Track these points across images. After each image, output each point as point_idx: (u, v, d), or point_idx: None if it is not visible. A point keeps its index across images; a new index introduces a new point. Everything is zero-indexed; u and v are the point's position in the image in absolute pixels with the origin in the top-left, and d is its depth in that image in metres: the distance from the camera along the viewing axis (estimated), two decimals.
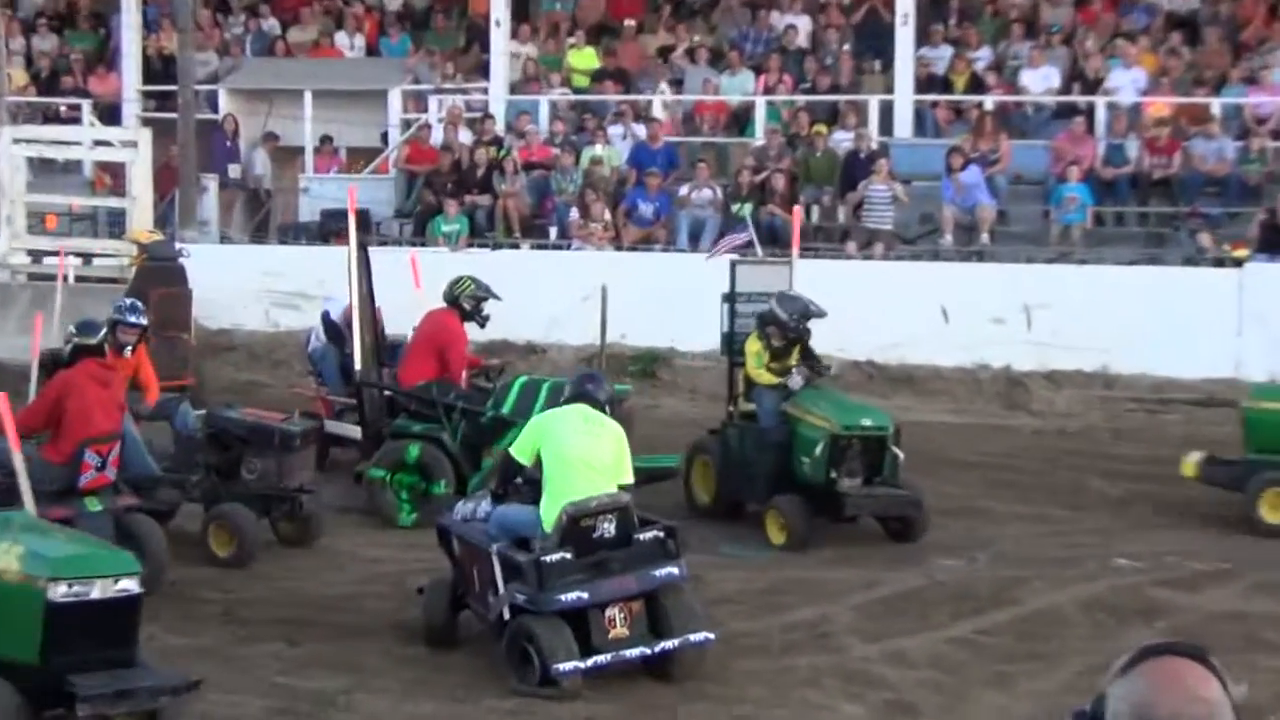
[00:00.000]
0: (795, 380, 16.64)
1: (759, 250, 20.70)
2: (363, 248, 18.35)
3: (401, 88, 30.01)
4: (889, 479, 16.29)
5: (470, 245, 26.03)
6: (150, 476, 15.77)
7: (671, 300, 24.15)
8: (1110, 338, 23.06)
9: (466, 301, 18.11)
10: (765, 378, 16.80)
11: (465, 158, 27.51)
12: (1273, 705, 11.98)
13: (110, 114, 31.16)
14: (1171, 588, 14.72)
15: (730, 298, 17.72)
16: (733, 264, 18.25)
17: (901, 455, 16.35)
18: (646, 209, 26.40)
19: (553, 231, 26.74)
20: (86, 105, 31.01)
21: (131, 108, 31.12)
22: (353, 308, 17.82)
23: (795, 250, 19.17)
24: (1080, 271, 24.16)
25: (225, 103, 30.45)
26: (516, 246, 26.41)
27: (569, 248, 26.21)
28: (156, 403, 16.63)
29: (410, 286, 19.81)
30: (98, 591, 10.41)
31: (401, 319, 18.88)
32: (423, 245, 25.54)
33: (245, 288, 25.63)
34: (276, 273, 25.93)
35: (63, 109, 31.46)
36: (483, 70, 30.34)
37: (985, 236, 25.05)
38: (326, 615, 13.72)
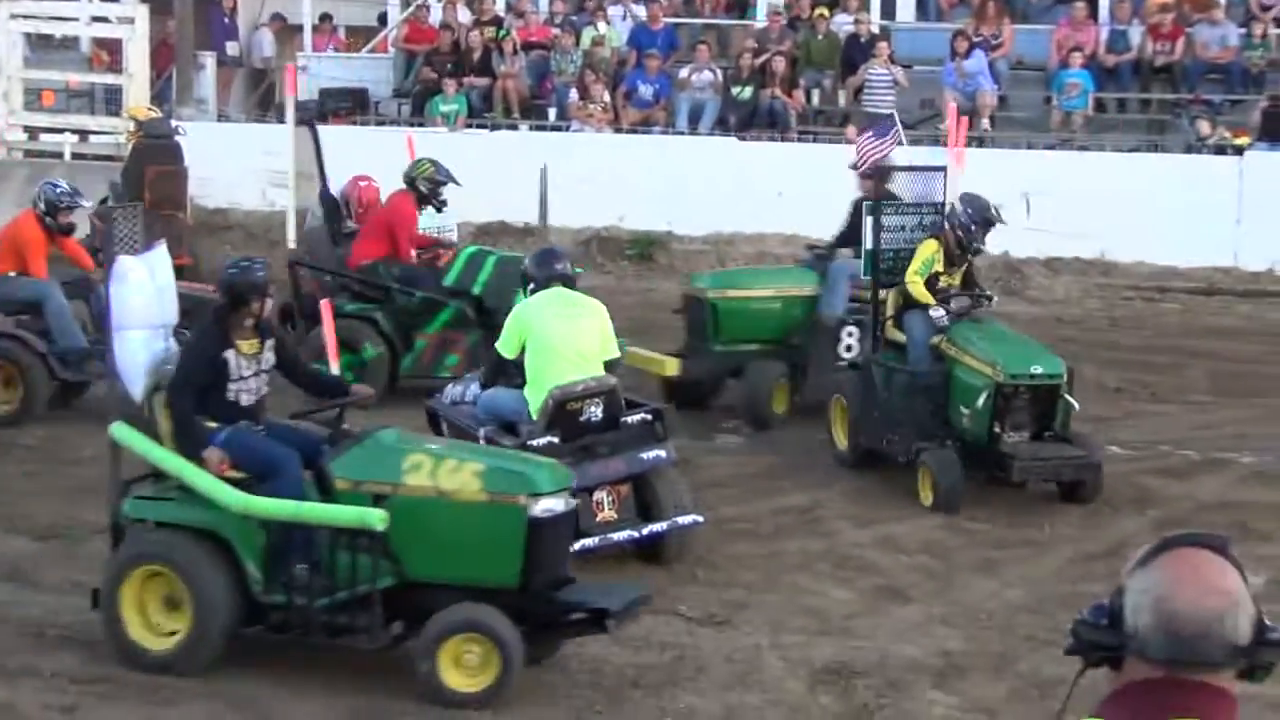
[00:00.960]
0: (940, 316, 14.31)
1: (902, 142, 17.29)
2: (310, 126, 18.27)
3: None
4: (1060, 433, 13.97)
5: (468, 125, 25.91)
6: (78, 349, 16.06)
7: (669, 183, 24.10)
8: (1109, 225, 22.99)
9: (423, 184, 17.88)
10: (919, 289, 14.41)
11: (464, 37, 27.33)
12: (1265, 595, 12.04)
13: None
14: (1165, 476, 14.73)
15: (874, 208, 15.04)
16: (879, 170, 15.72)
17: (1076, 405, 14.13)
18: (646, 91, 26.27)
19: (551, 113, 26.62)
20: None
21: None
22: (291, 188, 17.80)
23: (954, 152, 16.88)
24: (1081, 158, 24.08)
25: None
26: (515, 127, 26.29)
27: (568, 129, 26.09)
28: (76, 279, 16.75)
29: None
30: (562, 505, 10.00)
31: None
32: (421, 125, 25.43)
33: (242, 166, 25.51)
34: (274, 152, 25.78)
35: None
36: None
37: (986, 122, 24.93)
38: None
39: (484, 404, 12.49)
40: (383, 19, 29.75)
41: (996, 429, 13.71)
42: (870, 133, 17.21)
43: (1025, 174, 23.28)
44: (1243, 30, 25.44)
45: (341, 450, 10.26)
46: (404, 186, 17.83)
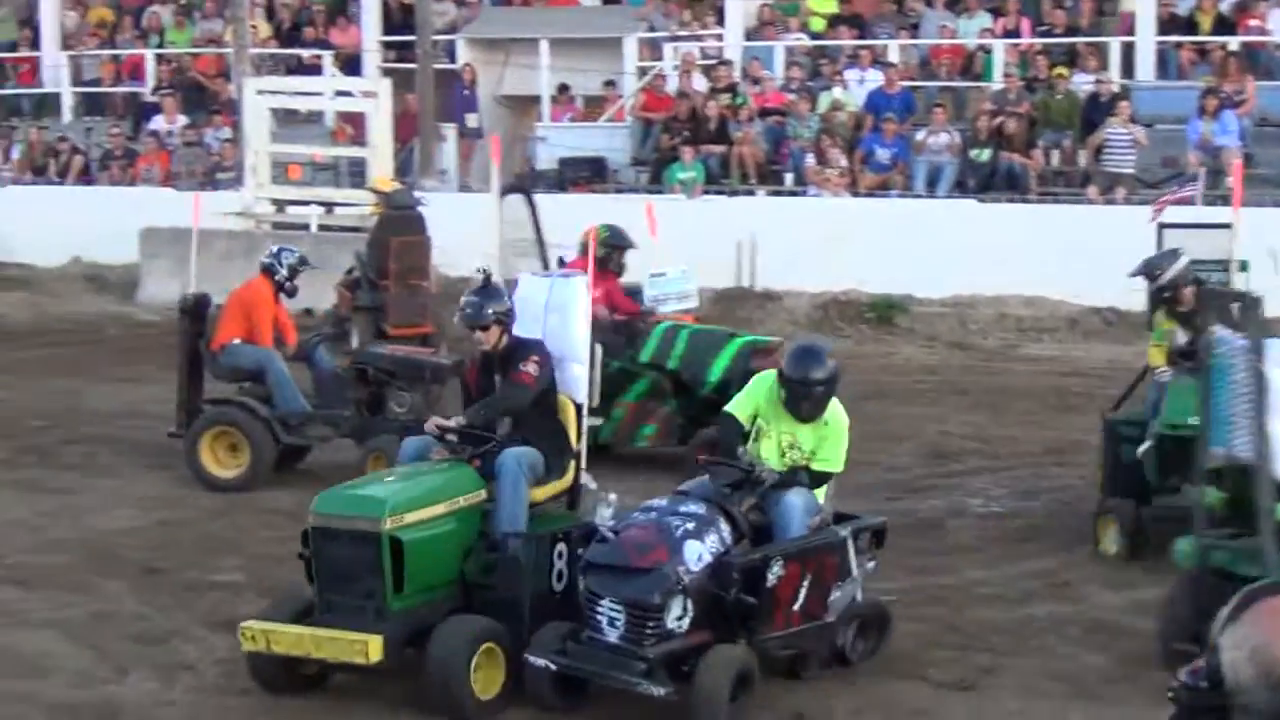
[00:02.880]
0: (1163, 372, 13.91)
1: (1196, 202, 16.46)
2: (525, 194, 19.63)
3: (637, 35, 30.06)
4: None
5: (706, 192, 26.05)
6: (300, 413, 16.42)
7: (909, 246, 24.03)
8: None
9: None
10: (1154, 355, 14.14)
11: (701, 105, 27.50)
12: None
13: (351, 64, 31.60)
14: None
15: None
16: (1159, 227, 15.24)
17: None
18: (883, 154, 26.24)
19: (788, 178, 26.68)
20: (328, 56, 31.47)
21: (371, 58, 31.56)
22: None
23: (1237, 207, 15.77)
24: None
25: (463, 52, 30.75)
26: (752, 193, 26.38)
27: (805, 194, 26.12)
28: (299, 343, 17.05)
29: (647, 234, 19.82)
30: None
31: (638, 266, 18.83)
32: (659, 192, 25.60)
33: (484, 236, 25.81)
34: (515, 221, 26.07)
35: (305, 60, 31.96)
36: (718, 16, 30.32)
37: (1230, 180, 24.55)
38: None
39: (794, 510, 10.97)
40: (613, 86, 29.96)
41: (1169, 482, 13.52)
42: (1177, 186, 16.67)
43: (1273, 231, 22.85)
44: None
45: None
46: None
